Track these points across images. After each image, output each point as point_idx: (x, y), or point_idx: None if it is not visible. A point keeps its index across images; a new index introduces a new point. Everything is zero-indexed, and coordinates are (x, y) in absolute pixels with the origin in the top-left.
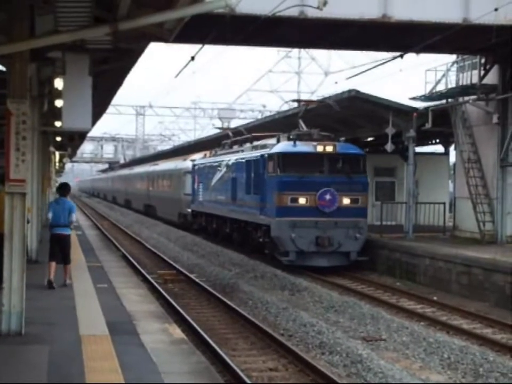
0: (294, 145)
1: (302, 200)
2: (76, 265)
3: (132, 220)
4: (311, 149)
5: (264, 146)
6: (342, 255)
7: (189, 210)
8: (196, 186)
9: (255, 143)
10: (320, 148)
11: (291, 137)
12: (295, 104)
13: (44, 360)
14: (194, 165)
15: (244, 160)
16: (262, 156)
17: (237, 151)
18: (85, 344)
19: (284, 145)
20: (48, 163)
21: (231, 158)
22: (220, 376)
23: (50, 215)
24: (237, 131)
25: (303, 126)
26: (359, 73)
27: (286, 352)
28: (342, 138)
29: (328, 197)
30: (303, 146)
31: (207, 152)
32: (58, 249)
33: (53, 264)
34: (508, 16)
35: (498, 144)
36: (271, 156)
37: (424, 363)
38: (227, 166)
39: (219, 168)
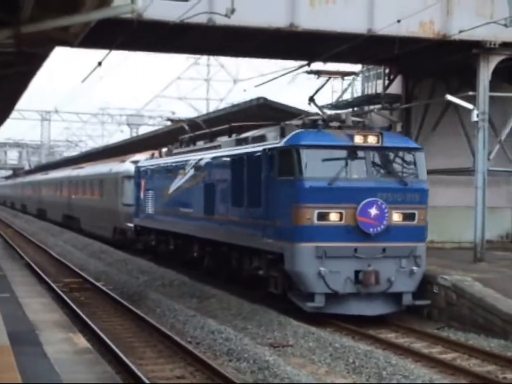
0: (319, 134)
1: (334, 216)
2: None
3: (37, 228)
4: (345, 141)
5: (261, 138)
6: (392, 297)
7: (130, 225)
8: (141, 195)
9: (240, 135)
10: (359, 139)
11: (317, 121)
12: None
13: None
14: (138, 168)
15: (228, 159)
16: (265, 151)
17: (210, 147)
18: None
19: (303, 135)
20: None
21: (203, 157)
22: None
23: None
24: (193, 124)
25: (320, 109)
26: (267, 81)
27: (194, 360)
28: (386, 125)
29: (373, 211)
30: (332, 137)
31: (155, 152)
32: None
33: None
34: (409, 28)
35: None
36: (283, 150)
37: (330, 368)
38: (196, 167)
39: (181, 170)
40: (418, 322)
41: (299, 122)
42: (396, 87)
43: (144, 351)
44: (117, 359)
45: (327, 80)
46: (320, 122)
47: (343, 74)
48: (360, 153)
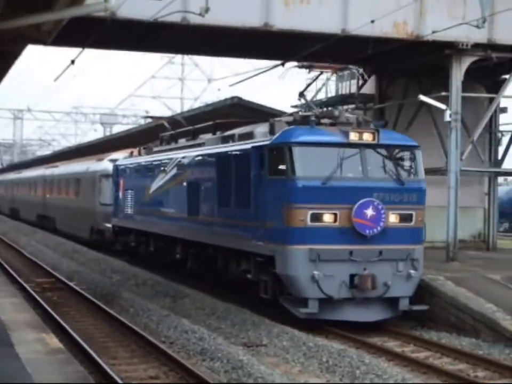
0: (312, 130)
1: (328, 217)
2: None
3: (9, 227)
4: (340, 138)
5: (248, 136)
6: (388, 302)
7: (108, 225)
8: (120, 194)
9: (224, 132)
10: (354, 136)
11: (310, 117)
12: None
13: None
14: (117, 166)
15: (213, 157)
16: (255, 148)
17: (193, 145)
18: None
19: (295, 131)
20: None
21: (186, 155)
22: None
23: None
24: (173, 121)
25: (310, 105)
26: (241, 81)
27: (167, 360)
28: (381, 122)
29: (370, 212)
30: (326, 133)
31: (134, 150)
32: None
33: None
34: (383, 29)
35: None
36: (274, 148)
37: (304, 367)
38: (178, 166)
39: (162, 169)
40: (391, 321)
41: (289, 118)
42: (369, 87)
43: (117, 351)
44: (90, 359)
45: (319, 75)
46: (313, 118)
47: (335, 68)
48: (356, 151)
